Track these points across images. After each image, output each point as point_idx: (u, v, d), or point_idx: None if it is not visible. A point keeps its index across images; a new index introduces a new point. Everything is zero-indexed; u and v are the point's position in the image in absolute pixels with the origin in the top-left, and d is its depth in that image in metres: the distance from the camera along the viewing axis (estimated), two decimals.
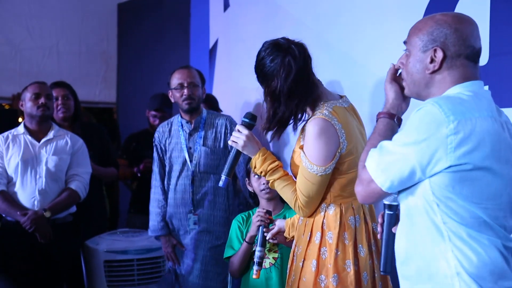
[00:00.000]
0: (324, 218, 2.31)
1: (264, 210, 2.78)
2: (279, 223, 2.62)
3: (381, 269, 1.92)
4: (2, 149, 3.61)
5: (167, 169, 3.61)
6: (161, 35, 5.66)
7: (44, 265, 3.52)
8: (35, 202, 3.54)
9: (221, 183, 2.45)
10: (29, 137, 3.66)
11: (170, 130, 3.67)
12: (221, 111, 4.30)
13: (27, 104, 3.67)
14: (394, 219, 1.89)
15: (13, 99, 5.48)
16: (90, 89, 6.07)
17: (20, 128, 3.70)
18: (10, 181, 3.58)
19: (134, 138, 4.83)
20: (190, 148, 3.56)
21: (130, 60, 6.18)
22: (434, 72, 1.77)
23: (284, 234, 2.59)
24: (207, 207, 3.52)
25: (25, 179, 3.56)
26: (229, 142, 2.47)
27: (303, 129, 2.38)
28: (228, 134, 3.51)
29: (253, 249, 2.78)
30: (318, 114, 2.27)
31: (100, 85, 6.20)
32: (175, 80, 3.61)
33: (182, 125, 3.63)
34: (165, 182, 3.60)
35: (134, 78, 6.12)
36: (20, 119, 4.90)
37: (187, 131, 3.61)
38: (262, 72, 2.39)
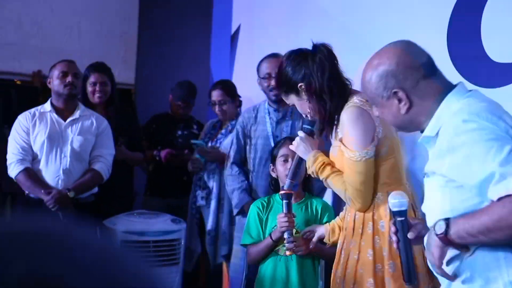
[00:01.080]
0: (374, 208, 2.32)
1: (288, 214, 2.73)
2: (318, 230, 2.64)
3: (406, 280, 1.88)
4: (29, 126, 3.62)
5: (251, 155, 3.57)
6: (182, 18, 5.66)
7: None
8: (59, 181, 3.56)
9: (285, 186, 2.51)
10: (56, 115, 3.67)
11: (256, 117, 3.60)
12: (240, 97, 4.29)
13: (55, 82, 3.68)
14: (407, 224, 1.86)
15: (33, 76, 5.51)
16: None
17: (47, 106, 3.71)
18: (35, 158, 3.59)
19: (154, 120, 4.84)
20: (277, 137, 3.47)
21: (150, 43, 6.19)
22: (409, 109, 1.79)
23: (324, 240, 2.61)
24: None
25: (50, 158, 3.57)
26: (290, 147, 2.54)
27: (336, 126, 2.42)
28: None
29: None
30: (350, 104, 2.31)
31: (119, 66, 6.19)
32: (264, 68, 3.56)
33: (269, 112, 3.57)
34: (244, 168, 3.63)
35: (153, 61, 6.13)
36: (40, 97, 4.95)
37: (275, 119, 3.54)
38: (291, 77, 2.43)
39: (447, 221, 1.65)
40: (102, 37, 6.02)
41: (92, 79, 4.12)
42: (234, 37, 4.83)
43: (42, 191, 3.47)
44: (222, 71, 4.93)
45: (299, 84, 2.39)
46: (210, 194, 4.11)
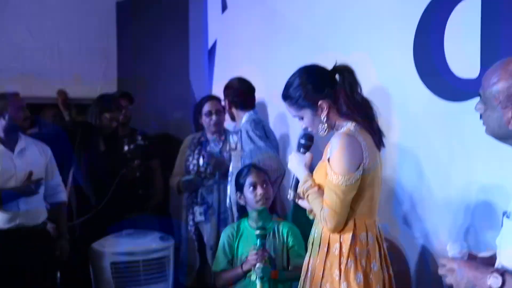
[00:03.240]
0: (341, 231, 2.40)
1: (261, 229, 2.87)
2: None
3: None
4: None
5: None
6: (159, 33, 5.73)
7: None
8: (16, 216, 3.56)
9: (289, 197, 2.59)
10: (2, 147, 3.63)
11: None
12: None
13: (11, 115, 3.62)
14: None
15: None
16: (91, 86, 6.13)
17: None
18: None
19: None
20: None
21: (129, 57, 6.25)
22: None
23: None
24: None
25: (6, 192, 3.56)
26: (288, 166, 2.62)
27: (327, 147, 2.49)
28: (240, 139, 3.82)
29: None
30: (344, 129, 2.39)
31: (101, 82, 6.27)
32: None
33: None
34: None
35: (134, 75, 6.20)
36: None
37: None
38: (312, 93, 2.44)
39: (504, 277, 1.60)
40: (82, 55, 6.07)
41: (113, 114, 4.46)
42: (211, 52, 4.93)
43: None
44: (202, 85, 5.03)
45: (320, 102, 2.42)
46: (209, 209, 4.17)
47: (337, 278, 2.37)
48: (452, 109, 2.87)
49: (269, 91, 4.23)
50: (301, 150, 2.56)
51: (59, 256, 3.74)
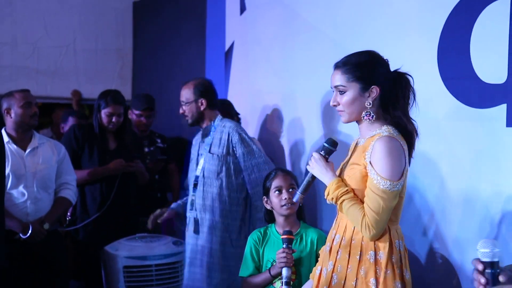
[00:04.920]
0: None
1: (288, 236, 2.84)
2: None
3: None
4: None
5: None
6: (176, 33, 5.69)
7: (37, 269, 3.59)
8: (27, 212, 3.56)
9: (294, 199, 2.53)
10: (14, 146, 3.62)
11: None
12: (238, 114, 4.32)
13: (17, 111, 3.60)
14: (496, 279, 1.72)
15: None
16: (106, 86, 6.08)
17: (5, 137, 3.61)
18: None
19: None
20: (200, 154, 3.67)
21: (145, 58, 6.22)
22: None
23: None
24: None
25: (17, 189, 3.56)
26: (307, 167, 2.51)
27: (357, 145, 2.45)
28: (230, 142, 3.58)
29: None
30: (387, 133, 2.32)
31: (115, 81, 6.25)
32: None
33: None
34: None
35: (149, 75, 6.17)
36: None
37: (200, 139, 3.75)
38: (372, 73, 2.39)
39: None
40: (98, 54, 6.07)
41: (110, 110, 4.26)
42: (228, 54, 4.86)
43: (16, 226, 3.47)
44: (218, 87, 4.95)
45: (374, 86, 2.36)
46: None
47: (373, 287, 2.30)
48: (477, 115, 2.78)
49: (285, 94, 4.17)
50: (323, 153, 2.48)
51: (31, 237, 3.52)
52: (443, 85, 2.95)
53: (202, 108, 3.68)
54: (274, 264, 2.93)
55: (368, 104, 2.37)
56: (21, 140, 3.65)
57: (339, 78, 2.40)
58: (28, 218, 3.55)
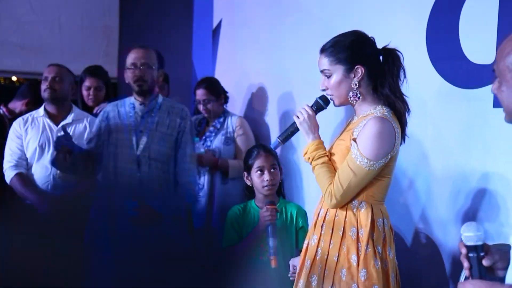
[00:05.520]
0: (356, 215, 2.36)
1: (271, 205, 2.88)
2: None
3: None
4: (21, 132, 3.62)
5: (108, 150, 3.41)
6: (163, 11, 5.63)
7: None
8: (49, 186, 3.57)
9: (273, 145, 2.56)
10: (48, 120, 3.66)
11: (119, 111, 3.47)
12: (227, 92, 4.29)
13: (42, 87, 3.67)
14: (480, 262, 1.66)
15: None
16: (91, 63, 6.01)
17: (41, 110, 3.69)
18: (29, 164, 3.60)
19: None
20: (141, 131, 3.37)
21: (131, 35, 6.16)
22: None
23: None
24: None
25: (42, 163, 3.58)
26: (294, 118, 2.50)
27: (350, 123, 2.45)
28: (181, 126, 3.42)
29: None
30: (379, 114, 2.32)
31: (101, 59, 6.17)
32: (129, 59, 3.40)
33: (134, 106, 3.46)
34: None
35: None
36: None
37: (140, 114, 3.42)
38: (356, 53, 2.38)
39: None
40: (83, 31, 6.00)
41: (86, 83, 4.21)
42: (215, 32, 4.82)
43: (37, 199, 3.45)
44: (205, 66, 4.93)
45: (358, 66, 2.34)
46: (200, 191, 4.07)
47: (354, 264, 2.31)
48: (464, 96, 2.78)
49: (272, 74, 4.15)
50: (314, 107, 2.48)
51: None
52: (431, 66, 2.95)
53: (159, 80, 3.61)
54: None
55: (354, 85, 2.36)
56: (57, 115, 3.70)
57: (324, 62, 2.41)
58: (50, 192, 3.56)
